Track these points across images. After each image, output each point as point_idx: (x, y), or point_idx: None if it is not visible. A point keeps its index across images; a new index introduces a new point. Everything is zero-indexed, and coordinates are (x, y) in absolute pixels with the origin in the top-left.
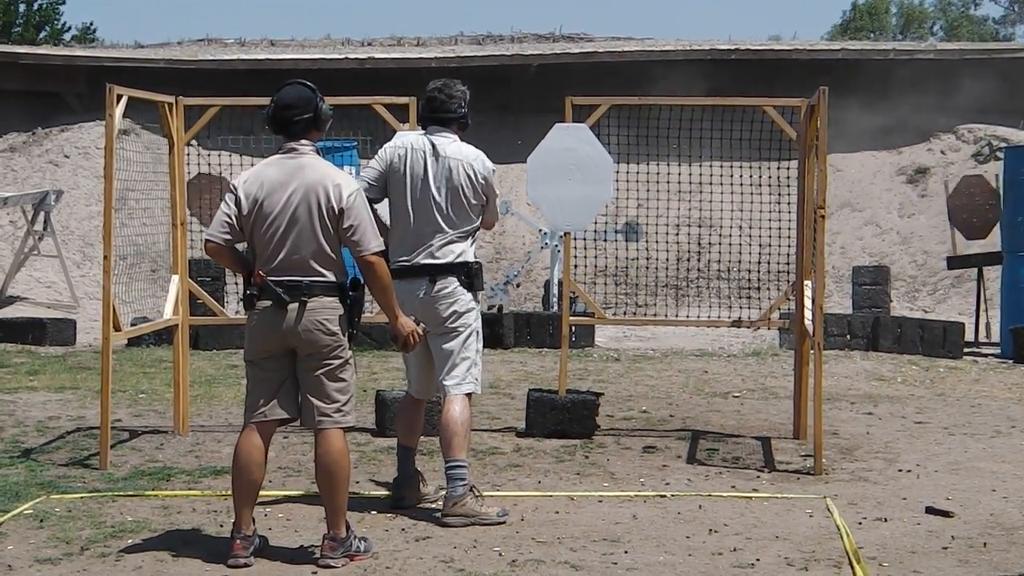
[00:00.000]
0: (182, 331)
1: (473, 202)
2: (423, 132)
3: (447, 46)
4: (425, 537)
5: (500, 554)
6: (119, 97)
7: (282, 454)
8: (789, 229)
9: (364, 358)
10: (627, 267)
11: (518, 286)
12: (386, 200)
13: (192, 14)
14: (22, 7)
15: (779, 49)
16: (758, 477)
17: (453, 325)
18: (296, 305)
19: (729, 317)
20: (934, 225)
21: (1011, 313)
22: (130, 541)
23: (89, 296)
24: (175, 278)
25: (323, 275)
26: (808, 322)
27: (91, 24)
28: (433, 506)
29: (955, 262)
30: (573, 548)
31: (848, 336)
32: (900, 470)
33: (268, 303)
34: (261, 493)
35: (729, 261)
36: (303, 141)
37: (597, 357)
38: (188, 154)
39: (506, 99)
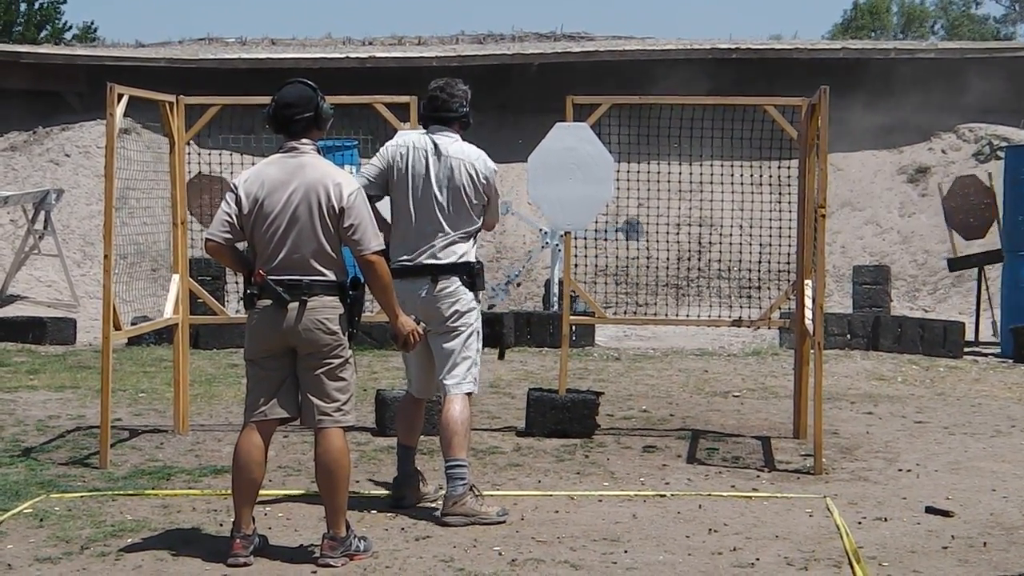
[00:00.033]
0: (182, 330)
1: (475, 202)
2: (424, 131)
3: (448, 45)
4: (425, 536)
5: (500, 553)
6: (120, 96)
7: (282, 453)
8: (790, 228)
9: (364, 357)
10: (627, 266)
11: (518, 285)
12: (387, 198)
13: (193, 13)
14: (23, 6)
15: (780, 48)
16: (758, 477)
17: (454, 324)
18: (296, 304)
19: (729, 316)
20: (935, 224)
21: (1011, 312)
22: (130, 540)
23: (89, 295)
24: (175, 277)
25: (323, 274)
26: (808, 321)
27: (92, 23)
28: (433, 505)
29: (956, 263)
30: (573, 547)
31: (848, 335)
32: (900, 469)
33: (268, 302)
34: (261, 492)
35: (729, 260)
36: (304, 140)
37: (597, 356)
38: (189, 153)
39: (507, 98)
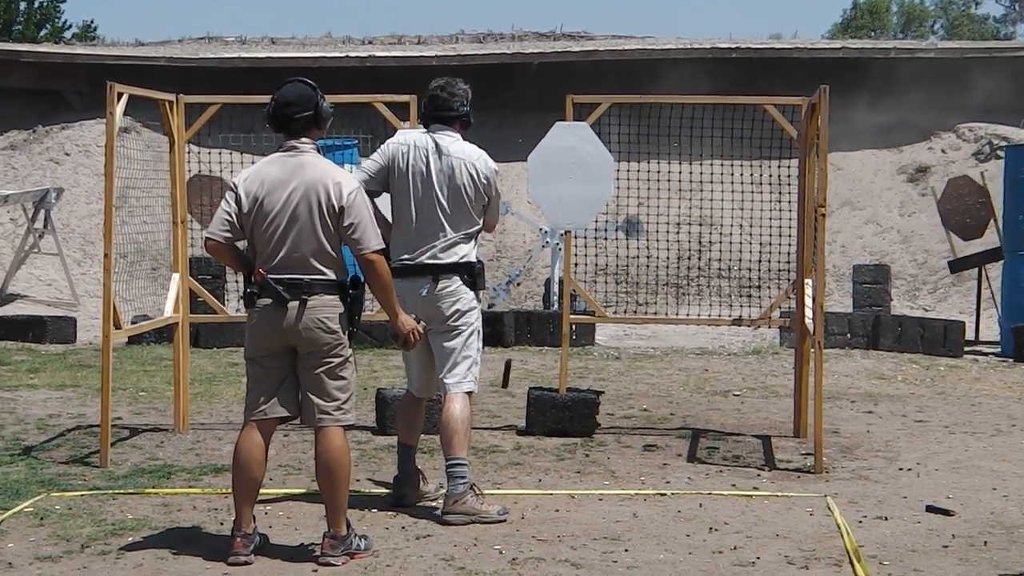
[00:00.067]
0: (182, 329)
1: (475, 202)
2: (425, 130)
3: (448, 44)
4: (426, 535)
5: (501, 552)
6: (120, 95)
7: (282, 452)
8: (790, 227)
9: (364, 356)
10: (628, 265)
11: (518, 285)
12: (387, 196)
13: (193, 12)
14: (23, 5)
15: (780, 48)
16: (758, 475)
17: (455, 323)
18: (296, 303)
19: (730, 315)
20: (935, 224)
21: (1011, 312)
22: (130, 539)
23: (89, 294)
24: (175, 276)
25: (323, 273)
26: (808, 320)
27: (92, 22)
28: (433, 504)
29: (957, 265)
30: (573, 546)
31: (848, 335)
32: (900, 468)
33: (268, 301)
34: (261, 491)
35: (730, 259)
36: (304, 139)
37: (598, 355)
38: (188, 152)
39: (507, 97)
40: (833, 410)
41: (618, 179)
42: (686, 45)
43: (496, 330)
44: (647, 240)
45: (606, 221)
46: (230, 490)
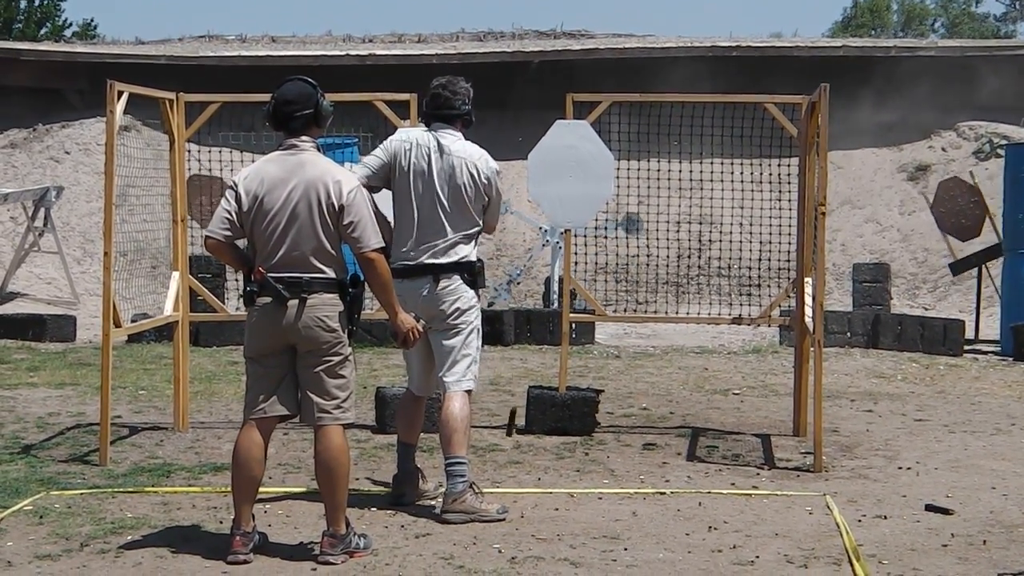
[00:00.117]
0: (182, 327)
1: (475, 202)
2: (427, 129)
3: (448, 43)
4: (425, 534)
5: (500, 551)
6: (120, 94)
7: (282, 451)
8: (790, 226)
9: (364, 355)
10: (627, 264)
11: (518, 284)
12: (386, 193)
13: (193, 11)
14: (23, 4)
15: (780, 46)
16: (758, 474)
17: (455, 322)
18: (296, 302)
19: (729, 314)
20: (935, 223)
21: (1011, 310)
22: (130, 537)
23: (89, 292)
24: (175, 274)
25: (323, 272)
26: (808, 319)
27: (92, 21)
28: (433, 503)
29: (958, 266)
30: (573, 545)
31: (848, 333)
32: (900, 467)
33: (268, 300)
34: (261, 490)
35: (730, 258)
36: (304, 137)
37: (597, 354)
38: (188, 150)
39: (507, 96)
40: (833, 409)
41: (618, 178)
42: (686, 44)
43: (496, 329)
44: (647, 239)
45: (606, 219)
46: (229, 489)
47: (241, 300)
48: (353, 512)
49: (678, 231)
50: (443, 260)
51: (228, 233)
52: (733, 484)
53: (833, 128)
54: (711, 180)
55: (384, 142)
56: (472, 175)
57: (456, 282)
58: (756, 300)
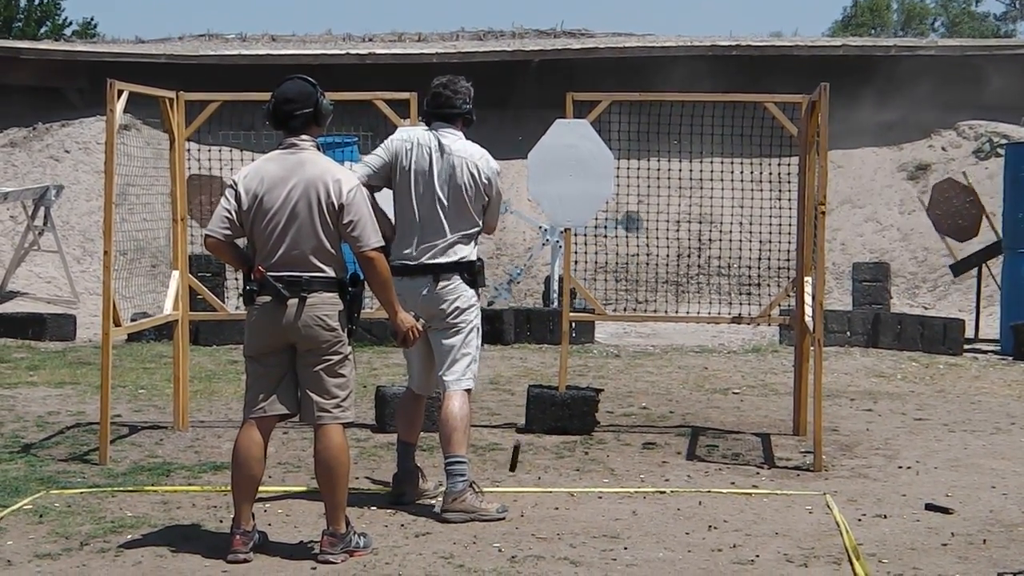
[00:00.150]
0: (182, 327)
1: (475, 202)
2: (427, 128)
3: (448, 42)
4: (425, 533)
5: (500, 550)
6: (120, 92)
7: (282, 450)
8: (790, 225)
9: (364, 354)
10: (627, 263)
11: (519, 283)
12: (387, 191)
13: (193, 9)
14: (23, 2)
15: (780, 45)
16: (758, 473)
17: (454, 321)
18: (296, 301)
19: (729, 313)
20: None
21: (1011, 309)
22: (130, 536)
23: (89, 291)
24: (175, 273)
25: (323, 271)
26: (808, 318)
27: (92, 20)
28: (433, 502)
29: (958, 267)
30: (573, 544)
31: (848, 333)
32: (900, 467)
33: (268, 299)
34: (261, 489)
35: (729, 257)
36: (303, 136)
37: (597, 353)
38: (188, 149)
39: (507, 95)
40: (832, 408)
41: (618, 177)
42: (686, 43)
43: (496, 328)
44: (647, 238)
45: (606, 219)
46: (229, 488)
47: (241, 299)
48: (353, 511)
49: (678, 230)
50: (442, 260)
51: (228, 232)
52: (733, 483)
53: (833, 127)
54: (711, 179)
55: (385, 141)
56: (472, 175)
57: (456, 282)
58: (756, 299)
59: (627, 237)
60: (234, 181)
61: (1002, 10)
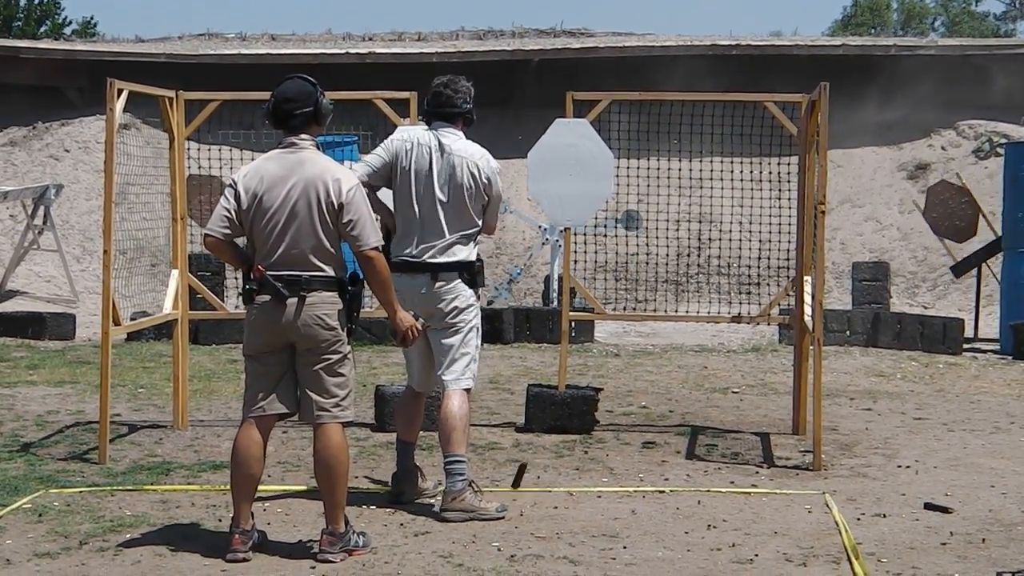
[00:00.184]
0: (181, 326)
1: (475, 202)
2: (428, 127)
3: (448, 41)
4: (424, 532)
5: (499, 549)
6: (119, 92)
7: (281, 449)
8: (789, 225)
9: (363, 353)
10: (627, 263)
11: (518, 282)
12: (386, 190)
13: (193, 9)
14: (23, 2)
15: (780, 45)
16: (757, 473)
17: (454, 321)
18: (295, 300)
19: (729, 313)
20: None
21: (1011, 309)
22: (129, 535)
23: (89, 290)
24: (175, 273)
25: (322, 270)
26: (808, 318)
27: (92, 19)
28: (432, 501)
29: (959, 268)
30: (572, 543)
31: (848, 332)
32: (899, 466)
33: (267, 298)
34: (260, 488)
35: (729, 257)
36: (303, 136)
37: (597, 352)
38: (188, 148)
39: (507, 94)
40: (832, 407)
41: (618, 176)
42: (686, 42)
43: (495, 327)
44: (647, 237)
45: (605, 218)
46: (228, 487)
47: (240, 298)
48: (352, 510)
49: (678, 229)
50: (441, 260)
51: (227, 231)
52: (732, 482)
53: (833, 127)
54: (711, 178)
55: (386, 141)
56: (473, 175)
57: (455, 281)
58: (755, 299)
59: (627, 236)
60: (233, 180)
61: (1002, 10)
